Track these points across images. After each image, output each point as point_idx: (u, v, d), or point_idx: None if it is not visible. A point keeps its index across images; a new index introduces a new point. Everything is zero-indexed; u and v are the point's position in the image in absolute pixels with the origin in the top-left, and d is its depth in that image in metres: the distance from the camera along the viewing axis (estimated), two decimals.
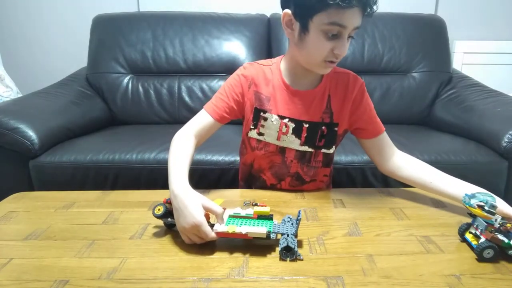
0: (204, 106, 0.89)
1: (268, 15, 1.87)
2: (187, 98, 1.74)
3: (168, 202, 0.73)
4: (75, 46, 2.02)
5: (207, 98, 1.72)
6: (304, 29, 0.75)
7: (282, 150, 0.89)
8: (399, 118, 1.73)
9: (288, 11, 0.77)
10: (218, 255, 0.64)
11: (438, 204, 0.85)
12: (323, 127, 0.87)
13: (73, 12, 2.03)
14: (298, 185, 0.93)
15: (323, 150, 0.89)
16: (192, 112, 1.73)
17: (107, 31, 1.79)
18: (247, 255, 0.63)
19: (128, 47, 1.75)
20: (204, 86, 1.74)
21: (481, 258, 0.62)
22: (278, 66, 0.88)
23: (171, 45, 1.75)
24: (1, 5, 2.04)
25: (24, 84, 1.98)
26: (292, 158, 0.90)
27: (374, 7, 0.73)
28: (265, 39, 1.81)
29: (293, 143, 0.87)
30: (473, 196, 0.66)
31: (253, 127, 0.88)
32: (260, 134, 0.88)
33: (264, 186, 0.95)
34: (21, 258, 0.63)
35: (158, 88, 1.74)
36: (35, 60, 2.11)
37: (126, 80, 1.75)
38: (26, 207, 0.83)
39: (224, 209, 0.70)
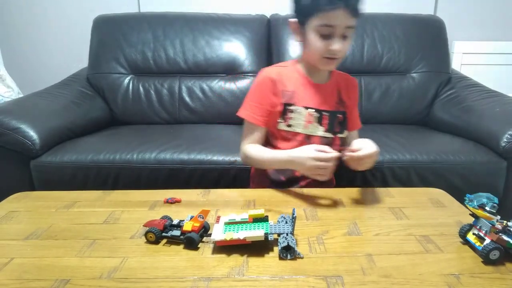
0: (241, 115, 0.98)
1: (268, 16, 1.87)
2: (187, 98, 1.74)
3: (169, 201, 0.72)
4: (76, 46, 2.02)
5: (207, 98, 1.73)
6: (304, 32, 0.91)
7: (309, 138, 0.97)
8: (398, 118, 1.74)
9: (293, 20, 0.93)
10: (218, 255, 0.64)
11: (437, 203, 0.85)
12: (339, 115, 0.99)
13: (74, 13, 2.04)
14: None
15: (339, 135, 1.00)
16: (192, 112, 1.76)
17: (108, 31, 1.79)
18: (247, 255, 0.63)
19: (129, 47, 1.75)
20: (205, 86, 1.75)
21: (487, 260, 0.61)
22: (296, 66, 1.00)
23: (171, 45, 1.75)
24: (3, 6, 2.05)
25: (25, 84, 1.99)
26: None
27: (359, 8, 0.86)
28: (265, 40, 1.81)
29: (318, 130, 0.97)
30: (474, 197, 0.66)
31: (282, 121, 0.96)
32: (288, 125, 0.96)
33: (292, 177, 0.99)
34: (22, 258, 0.64)
35: (159, 89, 1.74)
36: (36, 60, 2.12)
37: (126, 80, 1.75)
38: (27, 207, 0.84)
39: (219, 217, 0.70)
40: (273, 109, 0.96)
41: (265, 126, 0.98)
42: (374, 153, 0.87)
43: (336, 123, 0.99)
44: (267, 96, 0.96)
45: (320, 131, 0.97)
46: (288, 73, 0.98)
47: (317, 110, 0.96)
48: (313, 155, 0.83)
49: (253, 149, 0.97)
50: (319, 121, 0.97)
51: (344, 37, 0.88)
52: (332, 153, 0.82)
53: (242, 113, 0.99)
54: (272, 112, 0.96)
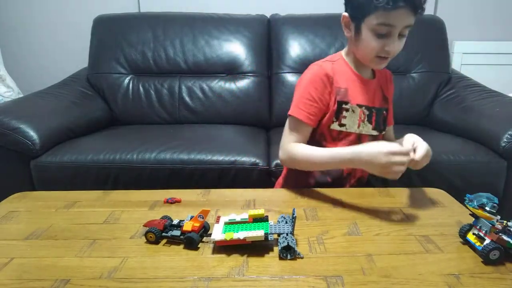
0: (295, 115, 0.89)
1: (268, 16, 1.87)
2: (187, 98, 1.74)
3: (169, 201, 0.72)
4: (76, 46, 2.02)
5: (207, 98, 1.73)
6: (358, 29, 0.85)
7: (359, 137, 0.94)
8: (398, 118, 1.71)
9: (346, 14, 0.88)
10: (218, 255, 0.64)
11: (437, 203, 0.85)
12: (384, 112, 0.97)
13: (74, 13, 2.04)
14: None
15: (383, 132, 0.98)
16: (192, 112, 1.76)
17: (108, 31, 1.79)
18: (247, 255, 0.63)
19: (129, 47, 1.75)
20: (204, 86, 1.75)
21: (487, 260, 0.61)
22: (344, 60, 0.94)
23: (171, 45, 1.76)
24: (2, 6, 2.05)
25: (25, 84, 1.99)
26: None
27: (424, 6, 0.81)
28: (265, 40, 1.81)
29: (368, 128, 0.94)
30: (474, 197, 0.66)
31: (335, 120, 0.91)
32: (341, 125, 0.92)
33: (338, 177, 0.96)
34: (22, 258, 0.64)
35: (159, 88, 1.74)
36: (36, 60, 2.12)
37: (126, 80, 1.75)
38: (27, 207, 0.84)
39: (219, 217, 0.70)
40: (327, 108, 0.90)
41: (314, 125, 0.91)
42: (428, 150, 0.82)
43: (381, 120, 0.96)
44: (323, 93, 0.89)
45: (370, 129, 0.94)
46: (340, 68, 0.92)
47: (367, 107, 0.92)
48: (386, 149, 0.74)
49: (301, 149, 0.88)
50: (369, 119, 0.93)
51: (400, 35, 0.84)
52: (406, 147, 0.76)
53: (295, 111, 0.89)
54: (325, 111, 0.90)
